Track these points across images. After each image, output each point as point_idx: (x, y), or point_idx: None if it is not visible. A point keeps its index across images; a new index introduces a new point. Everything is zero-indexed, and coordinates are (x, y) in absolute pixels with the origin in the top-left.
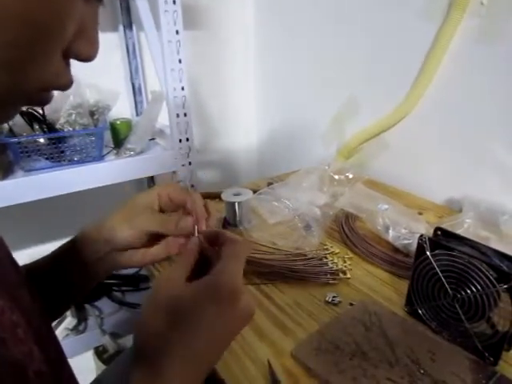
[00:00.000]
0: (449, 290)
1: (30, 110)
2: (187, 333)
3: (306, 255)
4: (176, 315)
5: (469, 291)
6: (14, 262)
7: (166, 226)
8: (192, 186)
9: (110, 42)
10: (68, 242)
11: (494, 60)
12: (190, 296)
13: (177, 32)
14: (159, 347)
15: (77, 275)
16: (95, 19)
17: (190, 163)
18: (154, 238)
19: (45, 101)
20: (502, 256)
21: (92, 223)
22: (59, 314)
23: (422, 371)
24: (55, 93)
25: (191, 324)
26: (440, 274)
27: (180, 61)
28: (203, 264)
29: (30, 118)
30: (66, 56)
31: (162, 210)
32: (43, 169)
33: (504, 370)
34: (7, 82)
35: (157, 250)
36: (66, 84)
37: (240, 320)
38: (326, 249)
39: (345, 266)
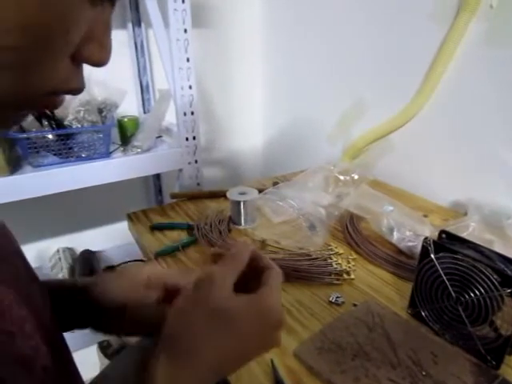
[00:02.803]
0: (452, 292)
1: None
2: (221, 337)
3: (310, 255)
4: (216, 318)
5: (472, 294)
6: (23, 257)
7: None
8: (198, 184)
9: (118, 39)
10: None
11: (501, 64)
12: (237, 307)
13: (185, 31)
14: (193, 337)
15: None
16: (107, 24)
17: (196, 161)
18: None
19: (53, 105)
20: (506, 260)
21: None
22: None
23: (423, 373)
24: None
25: (229, 330)
26: (444, 277)
27: (188, 59)
28: (242, 277)
29: (39, 114)
30: (76, 60)
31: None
32: (51, 165)
33: (506, 374)
34: (10, 85)
35: None
36: (76, 88)
37: (268, 347)
38: (331, 249)
39: (349, 267)
